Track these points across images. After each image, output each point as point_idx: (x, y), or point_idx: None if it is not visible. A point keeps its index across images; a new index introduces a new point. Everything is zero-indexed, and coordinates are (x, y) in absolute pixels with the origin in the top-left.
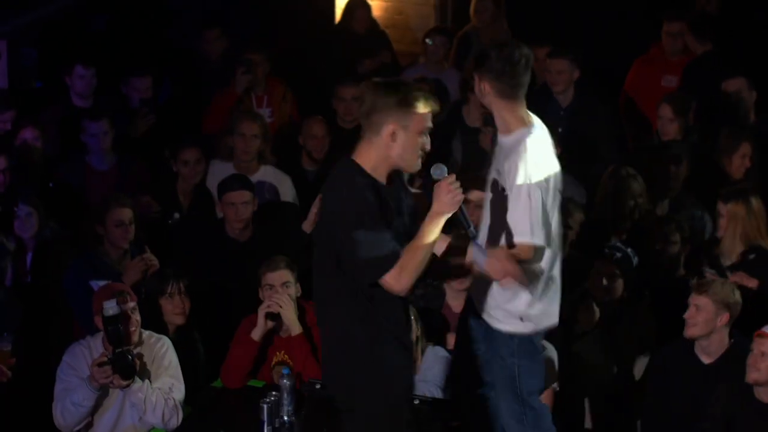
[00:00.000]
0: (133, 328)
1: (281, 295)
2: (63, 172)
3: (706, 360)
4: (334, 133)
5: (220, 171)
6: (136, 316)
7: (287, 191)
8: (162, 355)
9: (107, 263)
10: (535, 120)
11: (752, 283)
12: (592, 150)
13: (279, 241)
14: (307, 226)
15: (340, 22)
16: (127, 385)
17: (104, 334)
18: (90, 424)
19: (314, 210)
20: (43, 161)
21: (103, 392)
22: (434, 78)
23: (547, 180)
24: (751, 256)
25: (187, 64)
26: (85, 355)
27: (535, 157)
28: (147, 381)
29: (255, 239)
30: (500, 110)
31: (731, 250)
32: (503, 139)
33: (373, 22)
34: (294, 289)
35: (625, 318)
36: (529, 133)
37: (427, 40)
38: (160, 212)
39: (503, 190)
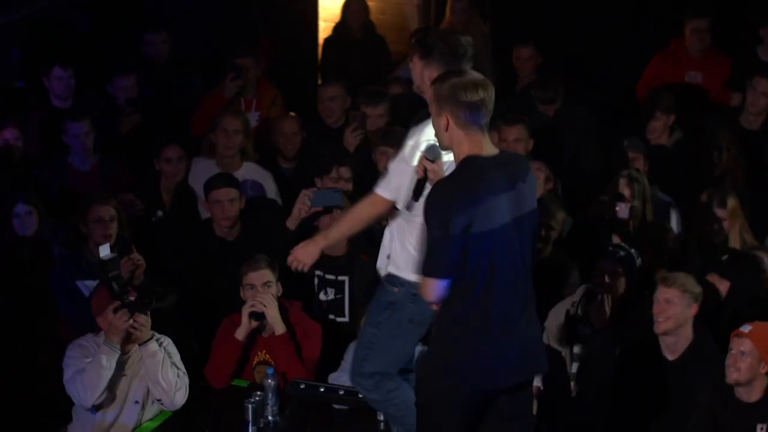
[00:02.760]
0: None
1: (265, 294)
2: (45, 173)
3: (670, 357)
4: (320, 132)
5: (202, 168)
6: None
7: (270, 188)
8: (165, 347)
9: (92, 263)
10: None
11: (724, 286)
12: (575, 149)
13: (265, 239)
14: (291, 222)
15: (339, 22)
16: (146, 338)
17: (107, 286)
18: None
19: (298, 206)
20: (24, 161)
21: (117, 371)
22: (408, 77)
23: None
24: (724, 258)
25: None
26: (92, 344)
27: None
28: (162, 349)
29: (243, 238)
30: None
31: (734, 245)
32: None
33: (370, 23)
34: (275, 289)
35: (632, 316)
36: None
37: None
38: (143, 211)
39: None
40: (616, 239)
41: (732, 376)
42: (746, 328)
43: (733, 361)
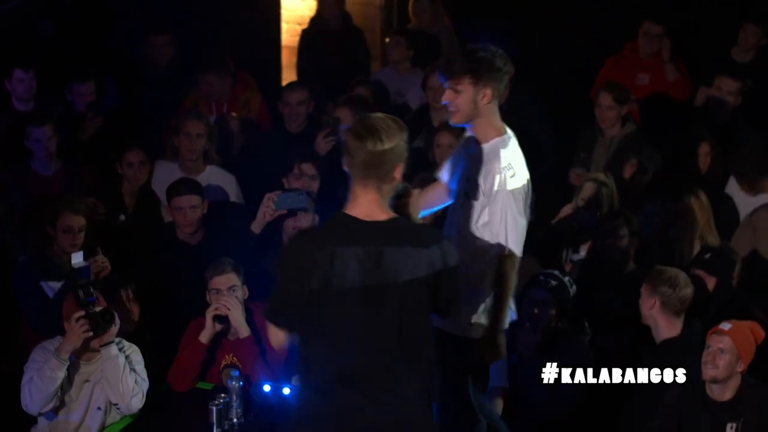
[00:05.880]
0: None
1: (229, 297)
2: (8, 178)
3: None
4: (281, 137)
5: (165, 171)
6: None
7: (233, 191)
8: (127, 354)
9: (58, 264)
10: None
11: (711, 282)
12: (532, 148)
13: (229, 242)
14: (256, 226)
15: (314, 15)
16: (108, 342)
17: (74, 294)
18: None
19: (263, 209)
20: None
21: (70, 371)
22: (374, 80)
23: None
24: (707, 256)
25: (132, 68)
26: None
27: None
28: (122, 353)
29: (206, 242)
30: (488, 117)
31: (689, 247)
32: (480, 146)
33: (346, 14)
34: (241, 292)
35: (561, 348)
36: (503, 142)
37: (387, 41)
38: (105, 214)
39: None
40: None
41: (709, 373)
42: (726, 326)
43: (712, 358)
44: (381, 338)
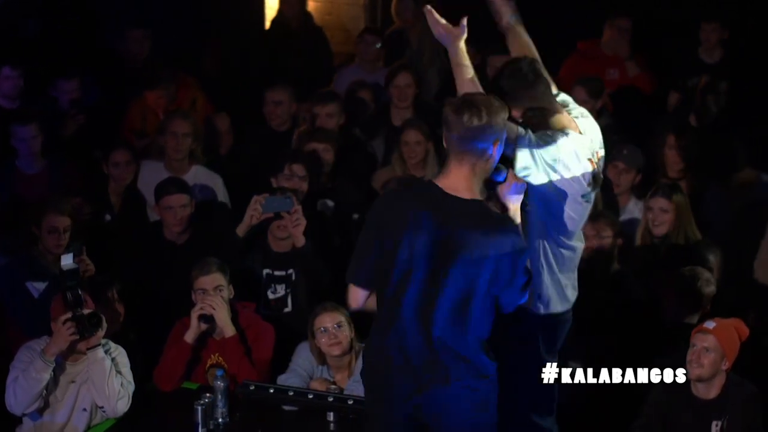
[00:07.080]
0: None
1: (214, 297)
2: None
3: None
4: (265, 136)
5: (151, 171)
6: None
7: (219, 191)
8: (113, 356)
9: (43, 264)
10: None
11: None
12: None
13: (214, 242)
14: (241, 230)
15: (275, 17)
16: (95, 343)
17: (62, 295)
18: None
19: (250, 212)
20: None
21: (56, 372)
22: (373, 83)
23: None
24: (682, 253)
25: (116, 65)
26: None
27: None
28: (109, 356)
29: (192, 241)
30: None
31: (676, 241)
32: None
33: (308, 15)
34: (227, 292)
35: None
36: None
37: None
38: (91, 214)
39: None
40: None
41: (695, 372)
42: (710, 325)
43: (696, 356)
44: (433, 312)
